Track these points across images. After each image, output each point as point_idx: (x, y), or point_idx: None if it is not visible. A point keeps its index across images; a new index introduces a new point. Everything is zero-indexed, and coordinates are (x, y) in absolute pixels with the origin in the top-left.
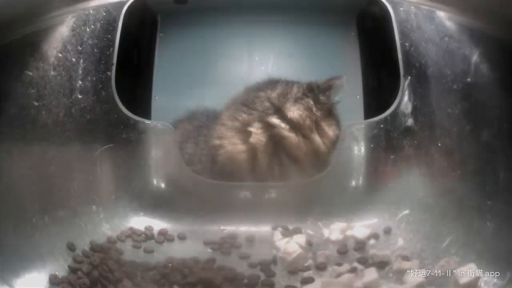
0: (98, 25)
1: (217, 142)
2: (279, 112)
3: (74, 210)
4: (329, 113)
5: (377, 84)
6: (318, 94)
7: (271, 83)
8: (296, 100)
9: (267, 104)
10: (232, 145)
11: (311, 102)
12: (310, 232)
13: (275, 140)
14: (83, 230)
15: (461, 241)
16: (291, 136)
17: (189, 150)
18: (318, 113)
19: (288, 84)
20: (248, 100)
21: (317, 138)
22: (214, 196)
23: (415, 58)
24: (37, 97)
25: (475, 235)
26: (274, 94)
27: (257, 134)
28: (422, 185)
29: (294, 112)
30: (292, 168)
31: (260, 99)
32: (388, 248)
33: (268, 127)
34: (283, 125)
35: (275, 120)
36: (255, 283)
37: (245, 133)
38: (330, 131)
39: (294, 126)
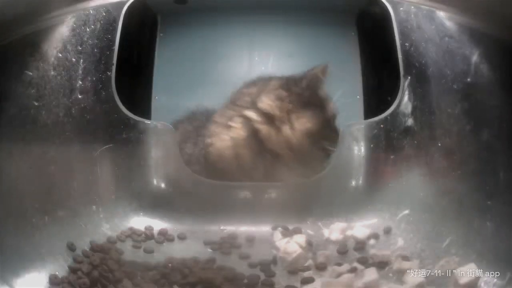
0: (98, 25)
1: (208, 140)
2: (255, 105)
3: (74, 210)
4: (306, 105)
5: (377, 84)
6: (292, 84)
7: (259, 80)
8: (270, 91)
9: (247, 98)
10: (221, 141)
11: (284, 93)
12: (310, 232)
13: (256, 135)
14: (83, 230)
15: (461, 241)
16: (263, 128)
17: (188, 150)
18: (291, 105)
19: (272, 78)
20: (235, 97)
21: (286, 130)
22: (214, 196)
23: (415, 58)
24: (37, 97)
25: (475, 235)
26: (254, 89)
27: (236, 128)
28: (422, 185)
29: (264, 102)
30: (277, 165)
31: (243, 94)
32: (388, 248)
33: (247, 121)
34: (255, 117)
35: (250, 113)
36: (255, 283)
37: (229, 129)
38: (298, 123)
39: (267, 118)
